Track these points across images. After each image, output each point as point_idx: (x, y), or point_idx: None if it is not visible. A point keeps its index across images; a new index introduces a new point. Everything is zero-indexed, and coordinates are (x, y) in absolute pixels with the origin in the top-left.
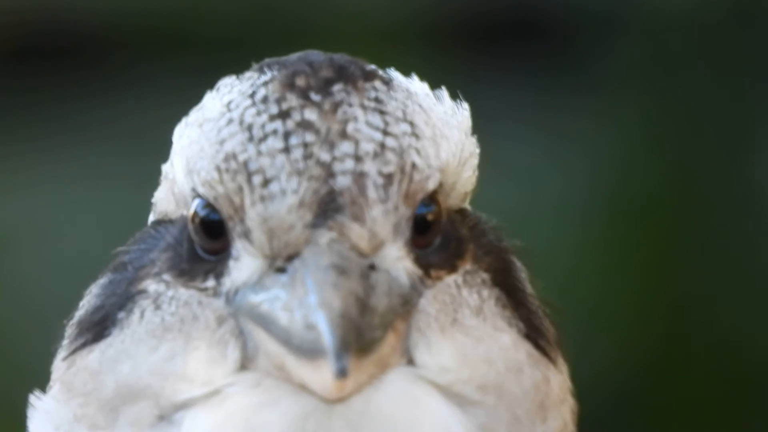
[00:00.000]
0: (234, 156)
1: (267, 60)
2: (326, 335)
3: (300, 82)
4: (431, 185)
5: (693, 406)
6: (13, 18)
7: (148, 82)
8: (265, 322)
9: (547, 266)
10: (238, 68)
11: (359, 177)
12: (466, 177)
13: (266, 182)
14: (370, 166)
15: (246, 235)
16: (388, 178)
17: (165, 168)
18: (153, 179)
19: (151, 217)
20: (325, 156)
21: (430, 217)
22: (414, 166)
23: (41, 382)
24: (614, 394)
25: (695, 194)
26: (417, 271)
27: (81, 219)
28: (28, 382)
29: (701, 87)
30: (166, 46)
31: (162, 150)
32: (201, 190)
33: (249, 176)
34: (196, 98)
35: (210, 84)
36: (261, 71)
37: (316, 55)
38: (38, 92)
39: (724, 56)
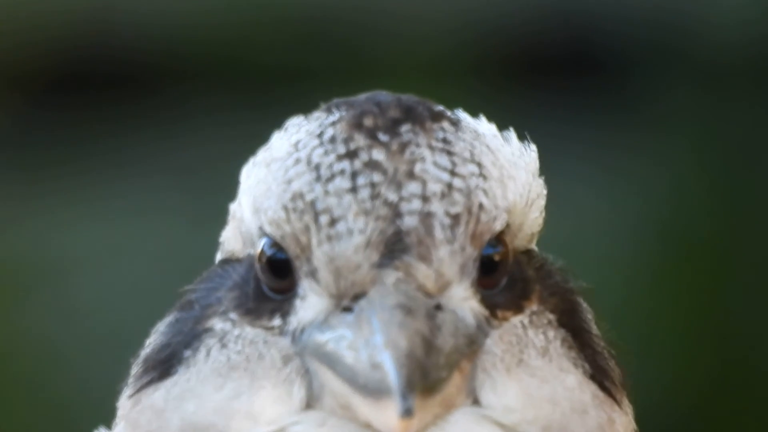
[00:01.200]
0: (301, 195)
1: (335, 100)
2: (392, 375)
3: (368, 122)
4: (498, 226)
5: None
6: (71, 51)
7: (206, 114)
8: (331, 361)
9: (596, 301)
10: (291, 102)
11: (426, 217)
12: (533, 218)
13: (333, 222)
14: (437, 207)
15: (312, 274)
16: (455, 218)
17: (232, 207)
18: (209, 212)
19: (219, 256)
20: (392, 196)
21: (496, 257)
22: (481, 206)
23: (94, 412)
24: (665, 429)
25: (746, 231)
26: (483, 311)
27: (134, 251)
28: (79, 411)
29: (754, 124)
30: (223, 79)
31: (216, 182)
32: (268, 229)
33: (316, 216)
34: (252, 130)
35: (266, 117)
36: (329, 111)
37: (383, 95)
38: (95, 124)
39: None
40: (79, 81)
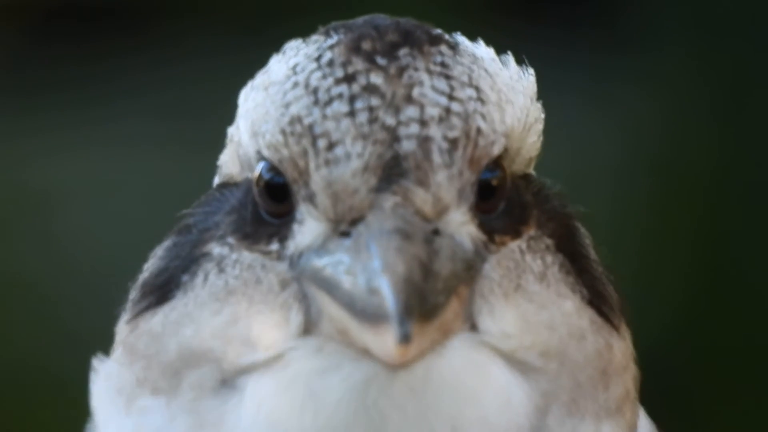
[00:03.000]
0: (299, 119)
1: (333, 23)
2: (389, 300)
3: (366, 45)
4: (496, 150)
5: (738, 373)
6: None
7: (199, 39)
8: (329, 286)
9: (592, 228)
10: (285, 27)
11: (424, 141)
12: (531, 142)
13: (331, 146)
14: (435, 131)
15: (310, 198)
16: (453, 143)
17: (230, 131)
18: (200, 138)
19: (216, 180)
20: (390, 120)
21: (494, 182)
22: (479, 131)
23: (85, 342)
24: (661, 357)
25: (743, 157)
26: (481, 236)
27: (124, 178)
28: (72, 342)
29: (748, 46)
30: (216, 4)
31: (209, 108)
32: (266, 152)
33: (314, 139)
34: (247, 55)
35: (260, 42)
36: (327, 35)
37: (382, 19)
38: (84, 53)
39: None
40: (69, 11)
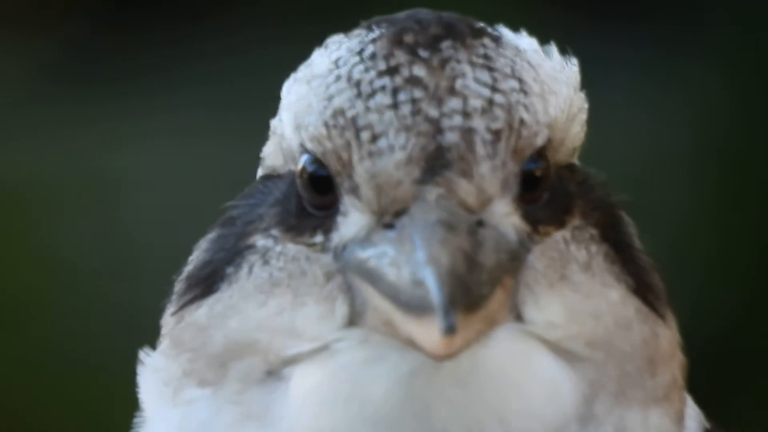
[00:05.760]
0: (342, 112)
1: (375, 18)
2: (434, 292)
3: (408, 38)
4: (539, 141)
5: None
6: None
7: (250, 30)
8: (373, 278)
9: (653, 223)
10: (330, 23)
11: (467, 133)
12: (575, 132)
13: (374, 138)
14: (478, 122)
15: (354, 190)
16: (497, 134)
17: (273, 123)
18: (254, 128)
19: (260, 172)
20: (433, 112)
21: (538, 173)
22: (522, 122)
23: (139, 330)
24: (733, 348)
25: None
26: (525, 227)
27: (180, 169)
28: (126, 331)
29: None
30: (268, 2)
31: (260, 98)
32: (309, 145)
33: (357, 132)
34: (294, 46)
35: (307, 33)
36: (369, 28)
37: (424, 12)
38: (142, 44)
39: None
40: (131, 3)
